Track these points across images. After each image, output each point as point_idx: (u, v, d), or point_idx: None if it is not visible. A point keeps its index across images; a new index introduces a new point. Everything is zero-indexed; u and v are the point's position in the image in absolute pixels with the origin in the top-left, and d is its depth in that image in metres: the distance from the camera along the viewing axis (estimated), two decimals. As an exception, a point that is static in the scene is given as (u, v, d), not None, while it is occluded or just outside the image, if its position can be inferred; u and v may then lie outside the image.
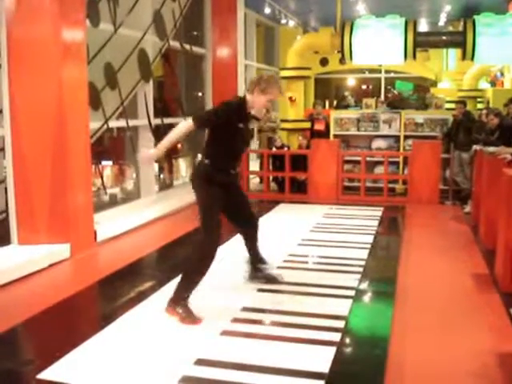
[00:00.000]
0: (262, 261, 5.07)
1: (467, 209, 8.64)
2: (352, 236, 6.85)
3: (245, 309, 4.45)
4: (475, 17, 9.78)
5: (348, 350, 3.82)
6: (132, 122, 8.31)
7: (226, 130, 4.34)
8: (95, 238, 6.65)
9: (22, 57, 5.88)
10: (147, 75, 8.57)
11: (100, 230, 6.73)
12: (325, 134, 10.80)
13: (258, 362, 3.55)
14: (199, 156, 4.55)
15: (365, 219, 7.92)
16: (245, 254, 5.07)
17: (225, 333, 4.00)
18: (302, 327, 4.09)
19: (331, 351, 3.70)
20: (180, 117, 10.01)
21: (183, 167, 11.04)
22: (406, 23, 9.99)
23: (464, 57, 9.88)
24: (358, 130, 10.44)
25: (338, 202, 9.35)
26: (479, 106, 13.91)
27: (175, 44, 9.52)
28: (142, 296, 4.81)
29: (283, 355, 3.64)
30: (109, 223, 7.08)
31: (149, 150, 4.52)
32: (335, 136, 10.48)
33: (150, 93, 8.74)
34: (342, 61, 14.68)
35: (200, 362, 3.55)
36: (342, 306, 4.50)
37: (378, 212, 8.45)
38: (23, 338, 4.26)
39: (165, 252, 6.47)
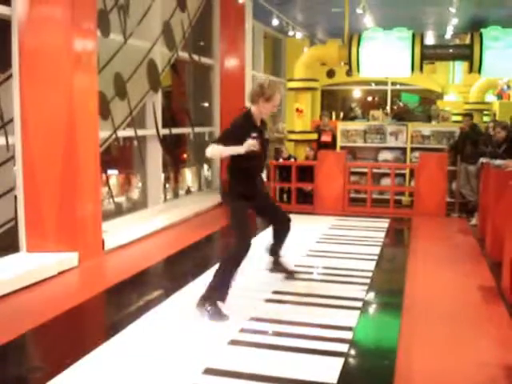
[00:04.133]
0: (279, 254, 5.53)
1: (473, 221, 8.65)
2: (359, 247, 6.87)
3: (252, 319, 4.46)
4: (482, 30, 9.82)
5: (356, 360, 3.83)
6: (140, 132, 8.36)
7: (239, 143, 4.47)
8: (103, 246, 6.69)
9: (34, 66, 5.94)
10: (156, 85, 8.64)
11: (108, 239, 6.76)
12: (331, 145, 10.83)
13: (267, 372, 3.56)
14: (227, 175, 4.85)
15: (371, 231, 7.93)
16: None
17: (233, 342, 4.02)
18: (309, 338, 4.10)
19: (339, 362, 3.71)
20: (187, 126, 10.10)
21: (189, 177, 11.09)
22: (414, 36, 10.03)
23: (471, 70, 9.92)
24: (365, 141, 10.49)
25: (344, 213, 9.37)
26: (485, 118, 13.93)
27: (184, 54, 9.59)
28: (150, 305, 4.82)
29: (291, 365, 3.66)
30: (116, 232, 7.11)
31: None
32: (342, 148, 10.52)
33: (158, 103, 8.79)
34: (348, 73, 14.77)
35: (209, 372, 3.57)
36: (350, 317, 4.51)
37: (384, 224, 8.46)
38: (33, 345, 4.28)
39: (172, 261, 6.49)
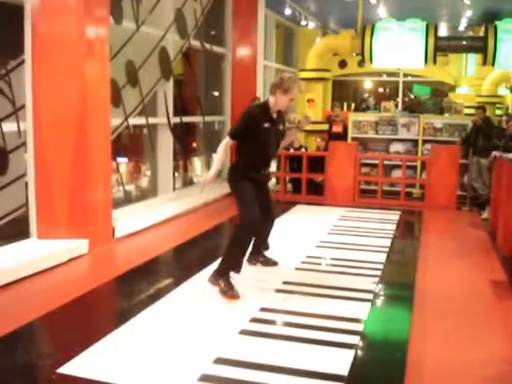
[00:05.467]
0: (265, 246, 5.55)
1: (485, 215, 8.59)
2: (370, 239, 6.83)
3: (263, 309, 4.44)
4: (497, 22, 9.72)
5: (367, 353, 3.80)
6: (151, 120, 8.34)
7: (253, 133, 4.64)
8: (113, 234, 6.69)
9: (46, 52, 5.92)
10: (168, 74, 8.60)
11: (118, 227, 6.76)
12: (343, 136, 10.77)
13: (277, 362, 3.55)
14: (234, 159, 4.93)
15: (382, 223, 7.90)
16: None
17: (243, 332, 4.01)
18: (320, 329, 4.08)
19: (350, 354, 3.69)
20: (198, 115, 10.07)
21: (198, 166, 11.06)
22: (427, 27, 9.94)
23: (485, 62, 9.83)
24: (377, 133, 10.42)
25: (355, 204, 9.33)
26: (498, 111, 13.80)
27: (196, 43, 9.54)
28: (160, 293, 4.82)
29: (302, 356, 3.64)
30: (126, 220, 7.11)
31: (207, 175, 4.78)
32: (353, 139, 10.46)
33: (169, 91, 8.76)
34: (361, 63, 14.69)
35: (219, 361, 3.56)
36: (361, 309, 4.49)
37: (395, 216, 8.42)
38: (43, 332, 4.30)
39: (183, 250, 6.49)
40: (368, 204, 9.39)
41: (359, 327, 4.14)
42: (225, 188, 10.04)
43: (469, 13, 11.95)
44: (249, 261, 5.47)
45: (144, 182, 9.17)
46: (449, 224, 8.32)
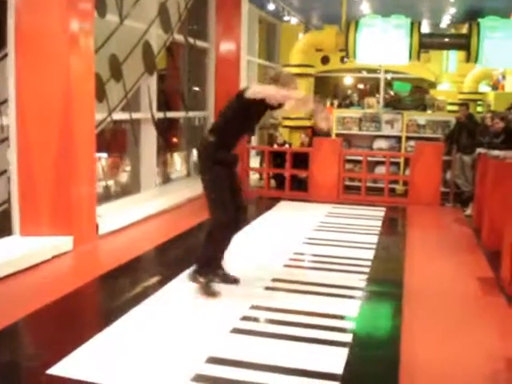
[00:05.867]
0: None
1: (468, 211, 8.64)
2: (356, 236, 6.83)
3: (253, 307, 4.41)
4: (480, 20, 9.77)
5: (360, 351, 3.76)
6: (135, 115, 8.24)
7: (249, 108, 4.41)
8: (97, 231, 6.59)
9: (30, 46, 5.80)
10: (151, 68, 8.50)
11: (101, 224, 6.66)
12: (326, 132, 10.72)
13: (270, 361, 3.51)
14: (206, 136, 4.65)
15: (368, 219, 7.91)
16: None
17: (235, 331, 3.97)
18: (311, 327, 4.06)
19: (343, 352, 3.67)
20: (181, 111, 9.98)
21: (178, 162, 10.95)
22: (412, 24, 9.96)
23: (468, 59, 9.88)
24: (360, 129, 10.42)
25: (339, 201, 9.32)
26: (479, 109, 13.91)
27: (179, 37, 9.44)
28: (147, 292, 4.75)
29: (295, 355, 3.61)
30: (110, 217, 7.01)
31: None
32: (337, 135, 10.45)
33: (153, 86, 8.67)
34: (344, 59, 14.69)
35: (211, 361, 3.51)
36: (351, 307, 4.47)
37: (380, 212, 8.44)
38: (29, 332, 4.18)
39: (168, 247, 6.39)
40: (352, 200, 9.39)
41: (350, 325, 4.12)
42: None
43: (452, 10, 12.00)
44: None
45: (126, 177, 9.06)
46: (433, 220, 8.36)
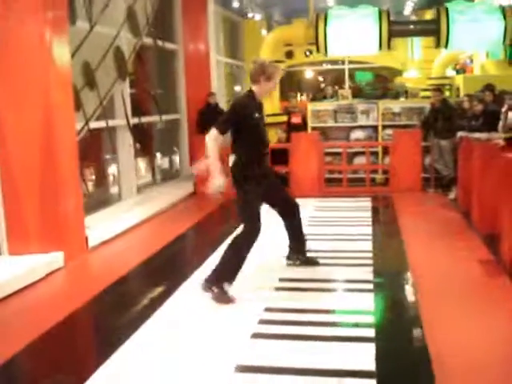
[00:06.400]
0: (301, 243, 5.31)
1: (452, 195, 8.70)
2: (350, 228, 6.80)
3: (268, 309, 4.30)
4: (447, 4, 9.85)
5: (386, 344, 3.70)
6: (110, 122, 8.03)
7: (246, 125, 4.47)
8: (87, 244, 6.39)
9: (5, 58, 5.58)
10: (123, 73, 8.30)
11: (90, 236, 6.46)
12: (302, 127, 10.70)
13: (300, 364, 3.42)
14: (232, 157, 4.65)
15: (356, 211, 7.88)
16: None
17: (256, 335, 3.86)
18: (331, 325, 4.00)
19: (370, 347, 3.60)
20: (152, 115, 9.78)
21: (142, 167, 10.68)
22: (380, 13, 9.98)
23: (438, 44, 9.95)
24: (336, 121, 10.39)
25: (321, 194, 9.27)
26: (447, 93, 14.05)
27: (148, 40, 9.26)
28: (154, 305, 4.54)
29: (323, 355, 3.53)
30: (97, 228, 6.80)
31: (215, 179, 4.44)
32: (313, 128, 10.40)
33: (126, 91, 8.47)
34: (307, 54, 14.70)
35: (240, 369, 3.39)
36: (365, 301, 4.41)
37: (366, 203, 8.43)
38: (37, 359, 3.94)
39: (163, 257, 6.18)
40: (334, 193, 9.36)
41: (370, 319, 4.05)
42: (188, 188, 9.88)
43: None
44: (289, 258, 5.35)
45: (106, 186, 8.84)
46: (420, 207, 8.38)
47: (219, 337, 3.87)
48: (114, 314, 4.49)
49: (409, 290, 4.68)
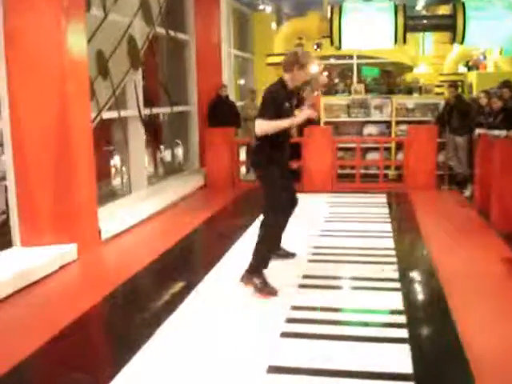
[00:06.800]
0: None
1: (467, 193, 8.56)
2: (369, 225, 6.66)
3: (294, 308, 4.17)
4: (464, 0, 9.69)
5: (421, 345, 3.58)
6: (122, 113, 7.88)
7: (278, 114, 4.42)
8: (100, 236, 6.26)
9: (21, 46, 5.44)
10: (137, 63, 8.14)
11: (103, 228, 6.32)
12: (315, 121, 10.51)
13: (333, 365, 3.30)
14: (255, 142, 4.65)
15: (373, 207, 7.75)
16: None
17: (284, 335, 3.73)
18: (362, 324, 3.87)
19: (405, 348, 3.47)
20: (163, 106, 9.61)
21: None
22: (396, 7, 9.82)
23: (454, 40, 9.79)
24: (349, 116, 10.24)
25: (334, 190, 9.13)
26: (459, 90, 13.90)
27: (160, 30, 9.09)
28: (175, 301, 4.38)
29: (356, 356, 3.40)
30: (109, 220, 6.66)
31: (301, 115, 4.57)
32: (326, 123, 10.25)
33: (139, 82, 8.31)
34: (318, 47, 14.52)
35: (273, 370, 3.26)
36: (394, 299, 4.28)
37: (381, 199, 8.28)
38: (55, 358, 3.74)
39: (179, 250, 6.02)
40: (347, 189, 9.22)
41: (402, 319, 3.92)
42: (199, 181, 9.75)
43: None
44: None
45: (117, 178, 8.70)
46: (437, 204, 8.25)
47: (247, 336, 3.73)
48: (132, 311, 4.30)
49: (436, 290, 4.54)
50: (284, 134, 4.60)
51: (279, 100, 4.47)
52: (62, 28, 5.55)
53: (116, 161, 8.84)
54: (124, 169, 8.72)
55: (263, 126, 4.41)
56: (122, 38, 7.74)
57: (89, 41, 6.76)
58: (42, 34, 5.50)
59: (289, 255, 5.32)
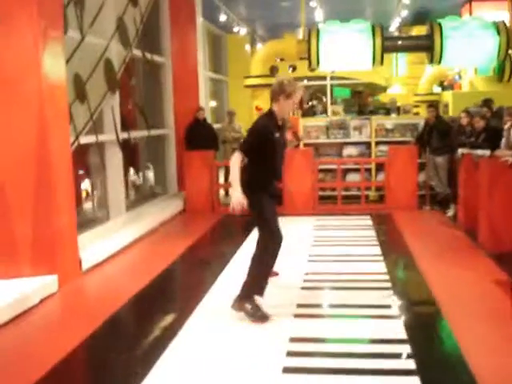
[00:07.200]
0: None
1: (450, 213, 8.52)
2: (358, 248, 6.53)
3: (293, 339, 3.98)
4: (440, 20, 9.75)
5: (431, 377, 3.42)
6: (100, 137, 7.65)
7: (267, 145, 4.34)
8: (80, 266, 5.99)
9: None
10: (114, 86, 7.94)
11: (83, 257, 6.06)
12: (296, 143, 10.41)
13: (342, 402, 3.12)
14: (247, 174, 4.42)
15: (359, 229, 7.63)
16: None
17: (287, 370, 3.53)
18: (366, 356, 3.70)
19: (415, 381, 3.31)
20: (143, 129, 9.41)
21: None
22: (373, 28, 9.82)
23: (432, 60, 9.82)
24: (328, 137, 10.16)
25: (316, 212, 9.01)
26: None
27: (137, 52, 8.92)
28: (166, 336, 4.15)
29: (365, 391, 3.23)
30: (88, 249, 6.39)
31: (237, 197, 4.24)
32: (305, 144, 10.15)
33: (116, 105, 8.10)
34: (292, 69, 14.50)
35: (280, 409, 3.07)
36: (396, 328, 4.13)
37: (366, 221, 8.18)
38: None
39: (166, 279, 5.81)
40: (328, 211, 9.11)
41: (406, 349, 3.77)
42: (178, 206, 9.52)
43: (404, 13, 12.01)
44: None
45: (93, 204, 8.42)
46: (421, 225, 8.19)
47: (247, 371, 3.53)
48: (122, 348, 4.06)
49: (437, 315, 4.41)
50: (276, 164, 4.49)
51: (266, 132, 4.34)
52: (40, 51, 5.34)
53: (93, 186, 8.58)
54: (101, 194, 8.46)
55: (231, 160, 4.32)
56: (98, 61, 7.55)
57: (66, 63, 6.61)
58: (19, 56, 5.30)
59: (272, 274, 5.03)
